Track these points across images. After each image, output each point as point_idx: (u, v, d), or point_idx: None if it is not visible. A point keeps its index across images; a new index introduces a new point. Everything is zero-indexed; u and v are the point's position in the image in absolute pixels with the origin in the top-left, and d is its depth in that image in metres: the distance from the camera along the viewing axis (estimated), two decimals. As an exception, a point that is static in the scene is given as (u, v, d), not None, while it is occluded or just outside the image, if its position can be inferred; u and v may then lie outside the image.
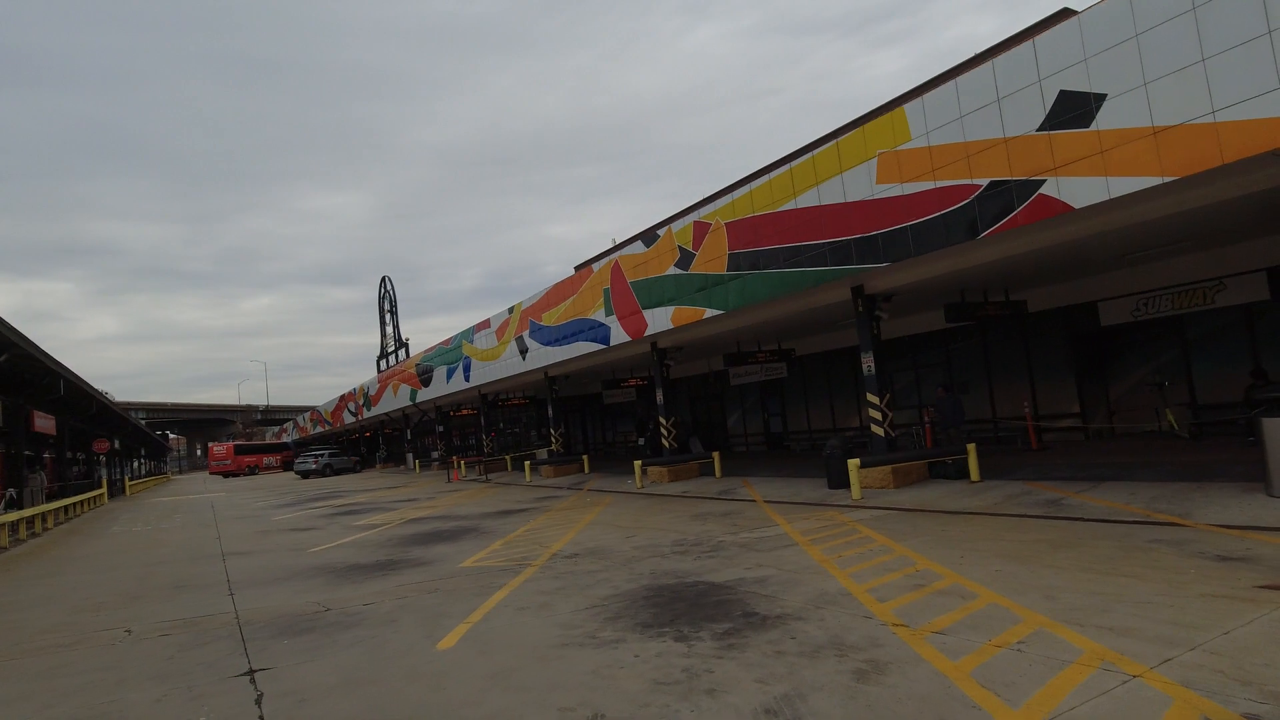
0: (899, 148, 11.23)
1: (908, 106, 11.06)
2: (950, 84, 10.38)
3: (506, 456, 31.22)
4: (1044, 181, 9.23)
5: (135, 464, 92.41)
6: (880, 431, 13.44)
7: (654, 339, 18.96)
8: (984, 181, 10.02)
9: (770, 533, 9.87)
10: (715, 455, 18.50)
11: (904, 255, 11.26)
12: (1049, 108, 9.11)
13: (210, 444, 77.24)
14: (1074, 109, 8.83)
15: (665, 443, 19.83)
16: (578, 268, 34.55)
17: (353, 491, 28.00)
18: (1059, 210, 9.09)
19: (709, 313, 15.66)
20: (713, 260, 15.38)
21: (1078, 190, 8.91)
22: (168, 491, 44.25)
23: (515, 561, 9.17)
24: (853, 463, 12.50)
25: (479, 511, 16.28)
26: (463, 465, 32.30)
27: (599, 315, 20.06)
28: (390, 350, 59.26)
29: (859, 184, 11.92)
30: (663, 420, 19.95)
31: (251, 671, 5.36)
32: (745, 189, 14.39)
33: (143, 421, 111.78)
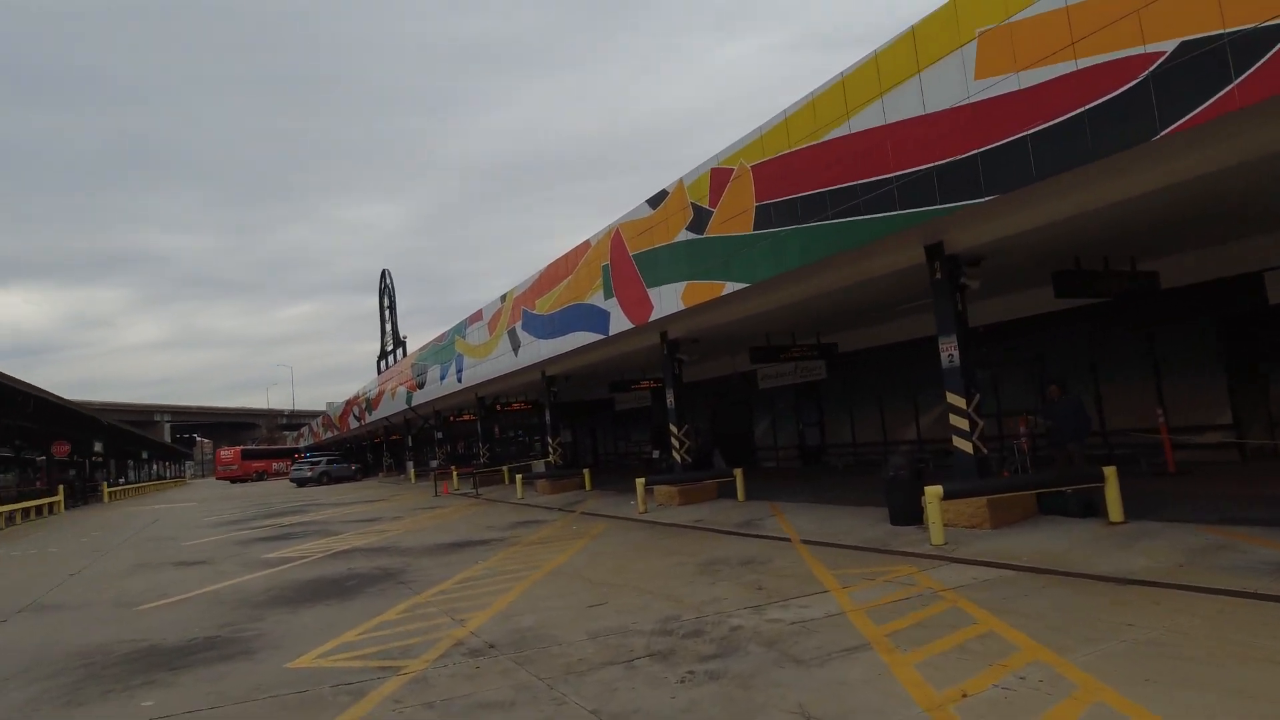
0: (1012, 18, 7.39)
1: (1029, -48, 7.21)
2: (1107, -103, 6.52)
3: (504, 468, 27.60)
4: (1296, 22, 5.35)
5: (153, 468, 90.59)
6: (968, 447, 9.50)
7: (663, 326, 15.21)
8: (1169, 45, 6.16)
9: (817, 610, 6.04)
10: (738, 473, 14.54)
11: (1020, 182, 7.40)
12: (1313, -112, 5.24)
13: (218, 449, 74.81)
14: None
15: (677, 456, 16.02)
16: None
17: (322, 505, 24.55)
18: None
19: (729, 287, 11.90)
20: (735, 217, 11.62)
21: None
22: (151, 499, 41.38)
23: (377, 663, 5.42)
24: (933, 490, 8.60)
25: (430, 542, 12.63)
26: (456, 477, 28.81)
27: (597, 299, 16.35)
28: (389, 349, 55.99)
29: (946, 84, 8.10)
30: (674, 429, 16.13)
31: None
32: (779, 118, 10.62)
33: (168, 423, 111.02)
